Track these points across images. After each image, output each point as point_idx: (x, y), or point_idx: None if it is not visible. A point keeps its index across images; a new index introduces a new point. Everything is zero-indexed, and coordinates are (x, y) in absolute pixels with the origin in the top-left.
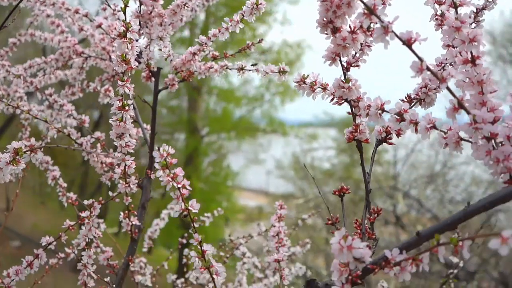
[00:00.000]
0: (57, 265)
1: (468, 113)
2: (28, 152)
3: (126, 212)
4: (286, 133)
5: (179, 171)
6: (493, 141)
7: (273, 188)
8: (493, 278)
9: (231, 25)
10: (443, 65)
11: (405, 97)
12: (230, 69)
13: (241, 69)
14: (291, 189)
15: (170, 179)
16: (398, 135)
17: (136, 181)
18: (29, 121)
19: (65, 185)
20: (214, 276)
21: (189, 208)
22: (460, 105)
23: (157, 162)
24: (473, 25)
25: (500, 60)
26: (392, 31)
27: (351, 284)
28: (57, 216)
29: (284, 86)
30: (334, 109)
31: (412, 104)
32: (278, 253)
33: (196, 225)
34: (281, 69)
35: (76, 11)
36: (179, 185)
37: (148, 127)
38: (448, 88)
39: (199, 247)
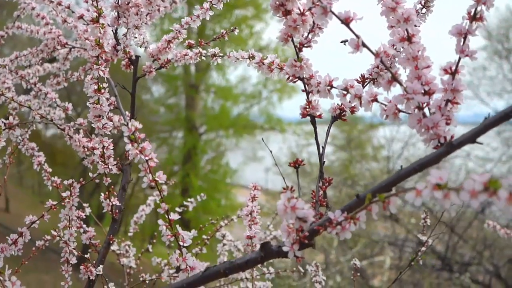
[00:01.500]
0: (43, 247)
1: (401, 85)
2: (7, 130)
3: (107, 193)
4: (284, 130)
5: (147, 145)
6: (426, 110)
7: (271, 185)
8: (487, 270)
9: (201, 13)
10: (394, 46)
11: (359, 77)
12: (204, 56)
13: (214, 55)
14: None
15: (138, 152)
16: (352, 112)
17: (115, 163)
18: (17, 110)
19: (50, 170)
20: (181, 243)
21: (156, 179)
22: (394, 78)
23: (126, 136)
24: (424, 10)
25: (496, 55)
26: (331, 11)
27: (300, 245)
28: (56, 215)
29: (282, 84)
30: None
31: (366, 83)
32: (251, 230)
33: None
34: (251, 55)
35: (59, 3)
36: (147, 158)
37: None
38: (383, 63)
39: (167, 216)
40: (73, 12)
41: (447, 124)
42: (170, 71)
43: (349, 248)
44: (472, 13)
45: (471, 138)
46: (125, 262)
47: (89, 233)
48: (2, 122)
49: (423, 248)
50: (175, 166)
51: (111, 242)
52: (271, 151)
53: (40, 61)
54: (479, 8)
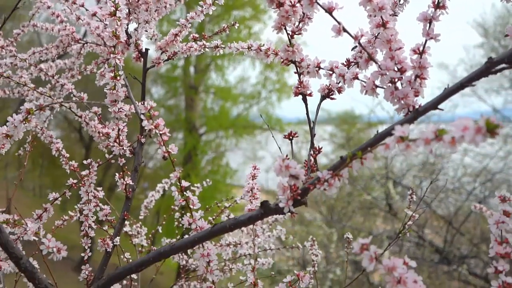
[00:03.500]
0: (62, 226)
1: (376, 63)
2: (38, 111)
3: (121, 173)
4: (283, 130)
5: (161, 121)
6: (400, 85)
7: (272, 184)
8: (484, 263)
9: (205, 8)
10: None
11: (345, 61)
12: (207, 48)
13: (216, 47)
14: None
15: (154, 127)
16: (339, 91)
17: (129, 144)
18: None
19: (67, 155)
20: (191, 206)
21: (169, 150)
22: (370, 57)
23: (142, 114)
24: (402, 1)
25: (493, 53)
26: (316, 2)
27: (294, 201)
28: (57, 216)
29: (281, 84)
30: (331, 105)
31: (351, 66)
32: (251, 204)
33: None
34: (249, 46)
35: (74, 2)
36: (161, 132)
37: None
38: (360, 44)
39: (178, 183)
40: (86, 10)
41: (416, 95)
42: (169, 73)
43: (349, 242)
44: (436, 2)
45: (434, 105)
46: (136, 241)
47: (105, 211)
48: (34, 104)
49: (410, 222)
50: (175, 167)
51: (125, 218)
52: (279, 147)
53: (56, 56)
54: None
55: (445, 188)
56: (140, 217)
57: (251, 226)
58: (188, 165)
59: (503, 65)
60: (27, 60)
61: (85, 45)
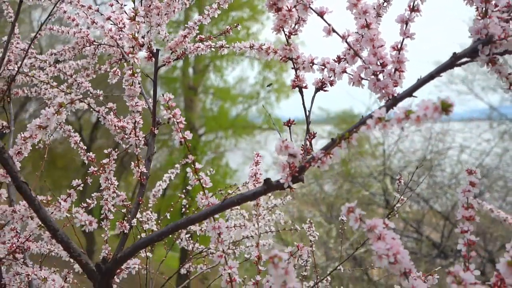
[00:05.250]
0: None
1: (361, 58)
2: (69, 104)
3: (136, 162)
4: (282, 130)
5: (178, 111)
6: (381, 76)
7: None
8: (481, 257)
9: (211, 11)
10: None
11: (336, 57)
12: (213, 48)
13: (221, 47)
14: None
15: (172, 116)
16: (331, 84)
17: (144, 135)
18: (52, 101)
19: (85, 147)
20: (204, 185)
21: (185, 136)
22: (355, 53)
23: (162, 104)
24: (385, 3)
25: None
26: (310, 7)
27: (292, 178)
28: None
29: (279, 83)
30: (330, 105)
31: (340, 61)
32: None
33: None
34: (251, 45)
35: (89, 7)
36: (178, 120)
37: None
38: (347, 43)
39: (193, 166)
40: (101, 14)
41: (395, 86)
42: (168, 74)
43: (347, 238)
44: (411, 6)
45: (409, 93)
46: (147, 227)
47: (121, 196)
48: (65, 98)
49: (398, 205)
50: (175, 167)
51: (140, 202)
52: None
53: (72, 57)
54: (416, 2)
55: (442, 184)
56: (149, 205)
57: (253, 217)
58: (188, 165)
59: (466, 59)
60: (47, 61)
61: (99, 46)
